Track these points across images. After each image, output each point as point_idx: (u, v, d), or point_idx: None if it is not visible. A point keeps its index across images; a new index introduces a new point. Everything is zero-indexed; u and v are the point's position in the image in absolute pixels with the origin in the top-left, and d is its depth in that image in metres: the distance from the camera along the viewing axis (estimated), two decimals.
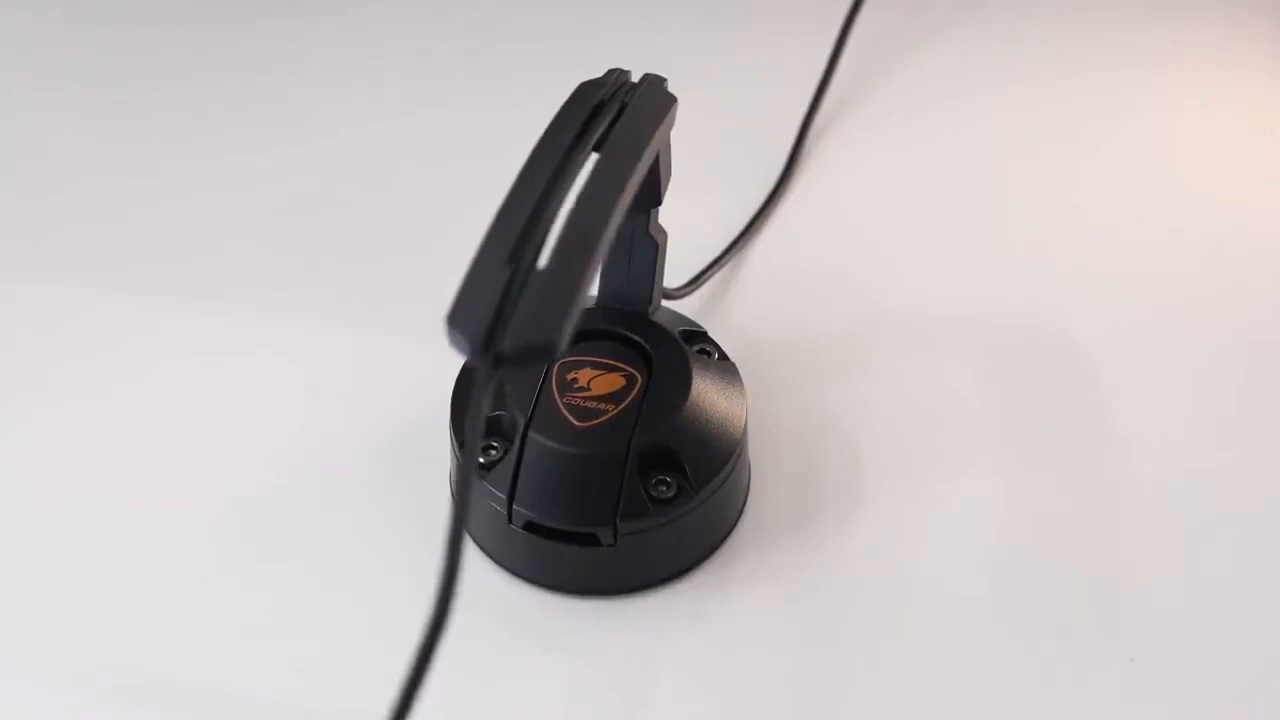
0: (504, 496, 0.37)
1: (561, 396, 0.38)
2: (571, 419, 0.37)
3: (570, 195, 0.33)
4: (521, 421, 0.37)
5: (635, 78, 0.38)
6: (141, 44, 0.60)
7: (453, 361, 0.41)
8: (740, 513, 0.40)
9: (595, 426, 0.37)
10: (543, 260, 0.31)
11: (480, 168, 0.51)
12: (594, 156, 0.34)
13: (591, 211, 0.32)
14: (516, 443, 0.37)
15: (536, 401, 0.38)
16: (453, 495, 0.40)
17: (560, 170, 0.33)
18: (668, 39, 0.58)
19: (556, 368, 0.39)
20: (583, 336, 0.40)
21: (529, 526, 0.37)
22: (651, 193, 0.39)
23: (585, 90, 0.36)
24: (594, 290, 0.42)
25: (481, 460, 0.38)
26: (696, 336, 0.41)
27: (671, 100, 0.37)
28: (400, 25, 0.61)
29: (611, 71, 0.37)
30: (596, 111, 0.35)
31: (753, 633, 0.38)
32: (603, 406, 0.38)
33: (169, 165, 0.54)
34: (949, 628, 0.38)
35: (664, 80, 0.38)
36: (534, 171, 0.33)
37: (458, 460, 0.38)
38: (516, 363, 0.30)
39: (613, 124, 0.35)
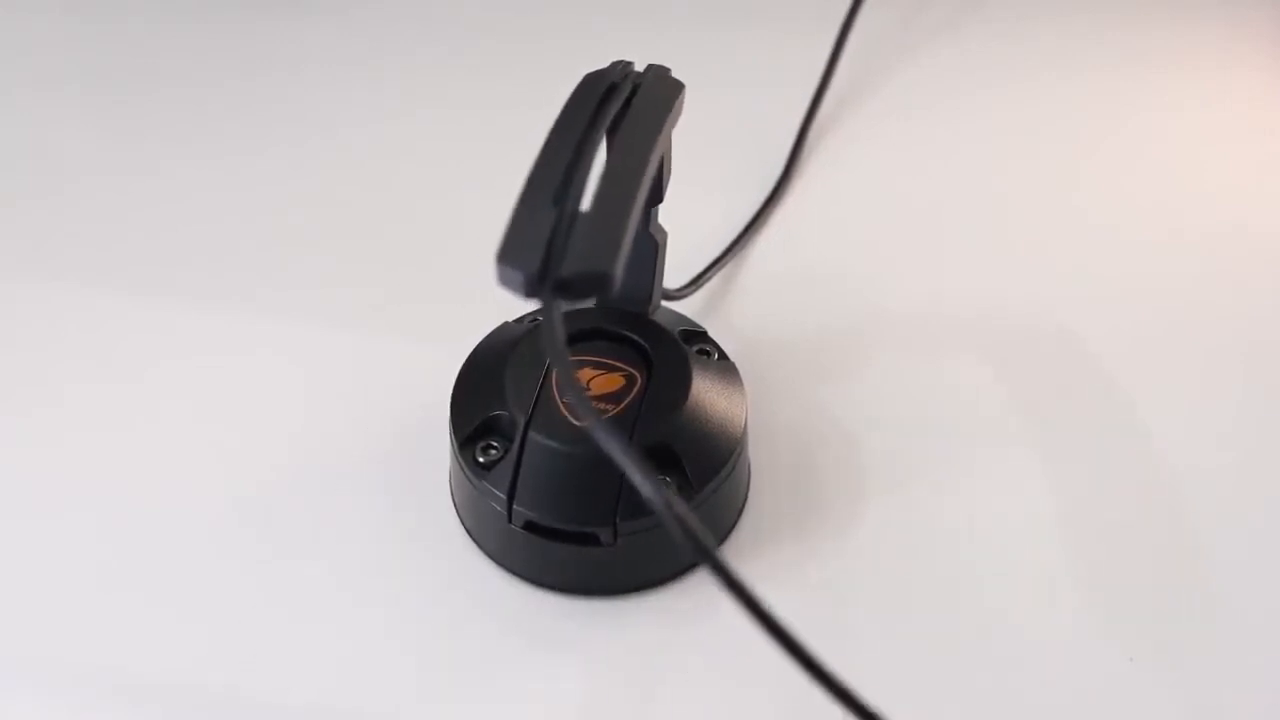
0: (504, 496, 0.37)
1: (561, 396, 0.38)
2: (571, 419, 0.37)
3: (597, 163, 0.34)
4: (521, 421, 0.37)
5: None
6: (141, 44, 0.60)
7: (453, 361, 0.41)
8: (740, 513, 0.40)
9: None
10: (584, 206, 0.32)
11: (480, 168, 0.52)
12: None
13: (628, 161, 0.33)
14: (516, 442, 0.37)
15: (536, 401, 0.38)
16: (452, 497, 0.40)
17: (585, 137, 0.34)
18: (668, 39, 0.58)
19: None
20: (582, 336, 0.40)
21: (529, 526, 0.37)
22: (653, 190, 0.39)
23: (593, 79, 0.36)
24: None
25: (481, 460, 0.38)
26: (696, 336, 0.41)
27: (680, 86, 0.37)
28: (400, 25, 0.61)
29: (616, 62, 0.37)
30: (609, 95, 0.36)
31: (753, 632, 0.38)
32: (602, 406, 0.38)
33: (169, 165, 0.54)
34: (948, 628, 0.38)
35: (669, 70, 0.38)
36: (561, 138, 0.34)
37: (456, 457, 0.38)
38: (576, 291, 0.30)
39: (627, 104, 0.36)
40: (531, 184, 0.32)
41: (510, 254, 0.31)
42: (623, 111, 0.35)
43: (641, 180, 0.33)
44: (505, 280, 0.31)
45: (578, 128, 0.34)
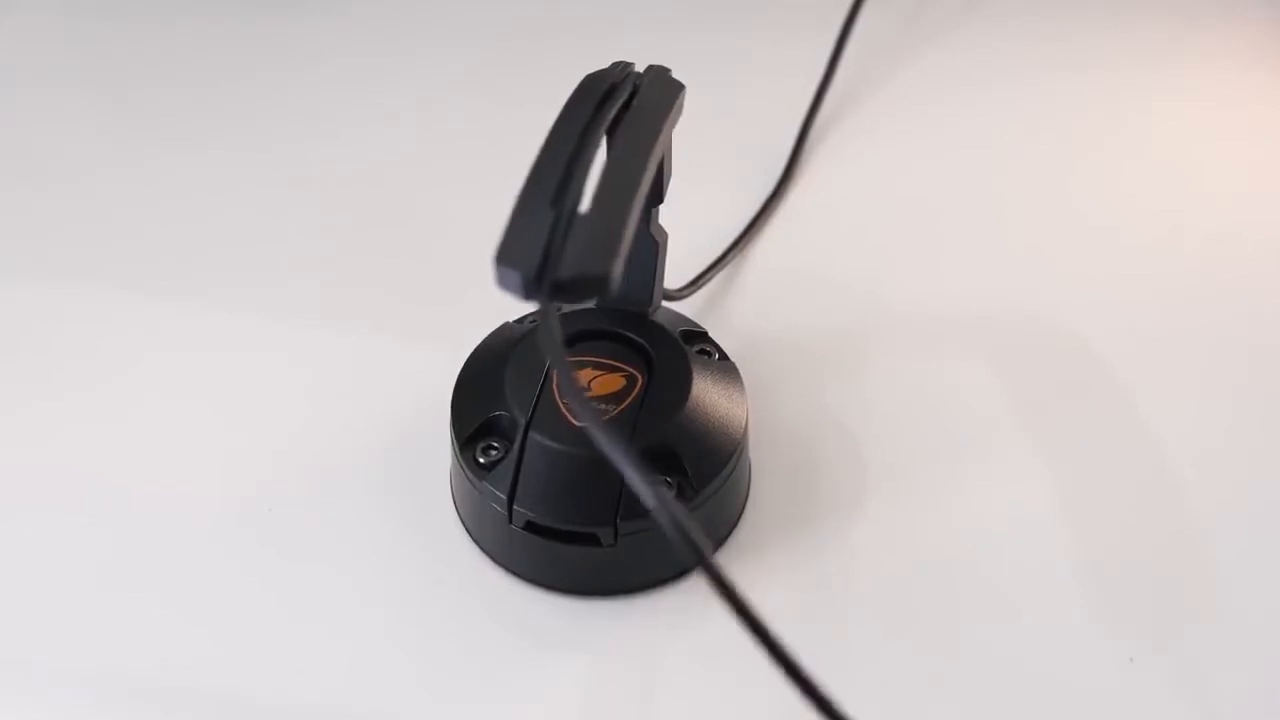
0: (504, 496, 0.37)
1: (561, 397, 0.38)
2: (572, 419, 0.37)
3: (596, 163, 0.34)
4: (522, 421, 0.37)
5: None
6: (141, 44, 0.60)
7: (453, 361, 0.41)
8: (740, 513, 0.40)
9: None
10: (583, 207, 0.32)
11: (480, 168, 0.52)
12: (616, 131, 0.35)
13: (628, 162, 0.33)
14: (517, 443, 0.37)
15: (537, 401, 0.38)
16: (452, 497, 0.40)
17: (584, 139, 0.34)
18: (669, 39, 0.58)
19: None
20: (583, 336, 0.40)
21: (529, 526, 0.37)
22: (653, 191, 0.39)
23: (593, 80, 0.36)
24: None
25: (481, 460, 0.38)
26: (697, 337, 0.41)
27: (680, 86, 0.37)
28: (400, 25, 0.61)
29: (616, 63, 0.37)
30: (609, 96, 0.36)
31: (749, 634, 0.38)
32: (603, 407, 0.38)
33: (169, 165, 0.54)
34: (948, 627, 0.38)
35: (669, 70, 0.38)
36: (560, 139, 0.34)
37: (457, 457, 0.38)
38: (574, 293, 0.30)
39: (627, 105, 0.36)
40: (530, 184, 0.32)
41: (508, 255, 0.31)
42: (622, 112, 0.35)
43: (641, 181, 0.33)
44: (503, 281, 0.31)
45: (577, 128, 0.34)
